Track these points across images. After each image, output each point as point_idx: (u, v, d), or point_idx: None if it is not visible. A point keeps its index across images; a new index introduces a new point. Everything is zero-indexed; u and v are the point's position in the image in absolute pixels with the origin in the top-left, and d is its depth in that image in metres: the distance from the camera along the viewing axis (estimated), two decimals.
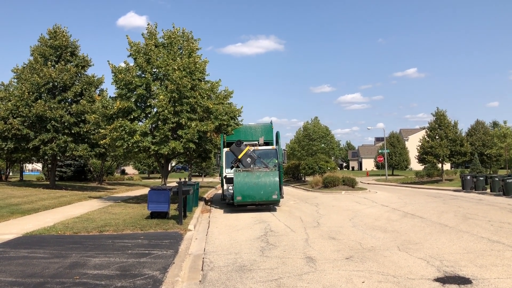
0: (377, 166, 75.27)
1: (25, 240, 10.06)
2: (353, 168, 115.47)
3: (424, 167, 46.33)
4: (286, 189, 31.82)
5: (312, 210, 16.45)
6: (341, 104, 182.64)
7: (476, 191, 25.50)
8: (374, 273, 6.89)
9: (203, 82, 19.54)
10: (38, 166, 67.38)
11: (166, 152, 18.22)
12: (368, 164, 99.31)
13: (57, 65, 26.48)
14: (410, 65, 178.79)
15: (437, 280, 6.41)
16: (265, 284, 6.45)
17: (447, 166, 56.74)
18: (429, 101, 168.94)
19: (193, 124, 17.86)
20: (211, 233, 11.61)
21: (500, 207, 16.38)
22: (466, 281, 6.33)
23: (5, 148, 25.67)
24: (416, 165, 56.31)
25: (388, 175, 60.88)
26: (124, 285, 6.25)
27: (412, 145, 59.85)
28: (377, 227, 11.73)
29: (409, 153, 72.36)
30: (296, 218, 14.09)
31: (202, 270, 7.45)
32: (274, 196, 16.12)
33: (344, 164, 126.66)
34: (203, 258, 8.35)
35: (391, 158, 70.34)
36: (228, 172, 18.32)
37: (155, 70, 18.93)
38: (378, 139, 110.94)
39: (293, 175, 46.08)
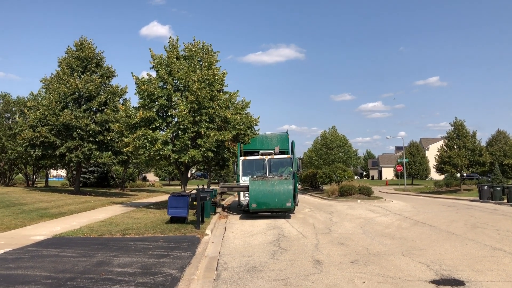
0: (397, 175, 74.86)
1: (55, 241, 10.88)
2: (372, 177, 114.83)
3: (444, 176, 46.15)
4: (303, 197, 32.32)
5: (326, 218, 16.96)
6: (362, 113, 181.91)
7: (493, 201, 25.53)
8: (375, 275, 7.42)
9: (221, 93, 20.32)
10: (62, 172, 69.21)
11: (186, 160, 18.98)
12: (388, 173, 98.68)
13: (83, 76, 27.69)
14: (432, 73, 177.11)
15: (433, 282, 6.92)
16: (273, 283, 7.05)
17: None
18: (451, 110, 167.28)
19: (211, 134, 18.60)
20: (227, 237, 12.26)
21: None
22: (460, 283, 6.82)
23: (34, 155, 26.90)
24: (436, 175, 55.97)
25: (408, 184, 60.62)
26: (146, 281, 6.92)
27: (432, 154, 59.53)
28: (386, 234, 12.21)
29: (429, 163, 71.86)
30: (309, 225, 14.63)
31: (216, 270, 8.08)
32: (288, 204, 16.61)
33: (364, 173, 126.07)
34: (218, 260, 8.98)
35: (411, 168, 69.99)
36: (244, 180, 18.95)
37: (176, 81, 19.78)
38: (398, 148, 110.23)
39: (311, 183, 46.45)
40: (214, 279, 7.38)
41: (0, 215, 15.45)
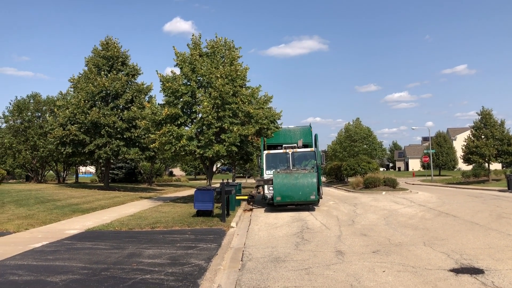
0: (423, 167, 73.94)
1: (88, 235, 11.43)
2: (399, 168, 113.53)
3: (472, 167, 45.44)
4: (327, 190, 32.44)
5: (350, 210, 17.11)
6: (388, 103, 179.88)
7: None
8: (395, 264, 7.62)
9: (244, 88, 20.63)
10: (91, 169, 70.94)
11: (211, 155, 19.40)
12: (415, 164, 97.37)
13: (109, 75, 28.44)
14: (459, 61, 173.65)
15: (452, 270, 7.07)
16: (295, 272, 7.33)
17: (498, 166, 55.05)
18: (480, 99, 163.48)
19: (235, 129, 18.95)
20: (252, 230, 12.59)
21: None
22: (479, 271, 6.96)
23: (64, 153, 27.82)
24: (463, 165, 55.09)
25: (435, 175, 59.82)
26: (174, 271, 7.30)
27: (460, 144, 58.60)
28: (408, 225, 12.32)
29: (456, 153, 70.71)
30: (333, 217, 14.83)
31: (241, 260, 8.42)
32: (312, 197, 16.74)
33: (391, 165, 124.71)
34: (243, 251, 9.32)
35: (438, 158, 69.02)
36: (268, 174, 19.22)
37: (199, 78, 20.17)
38: (425, 139, 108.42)
39: (335, 176, 46.43)
40: (239, 269, 7.71)
41: (36, 211, 16.20)
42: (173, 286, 6.42)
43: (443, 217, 13.87)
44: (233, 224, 13.00)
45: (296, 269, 7.50)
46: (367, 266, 7.54)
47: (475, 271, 7.00)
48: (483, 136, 37.96)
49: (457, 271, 7.03)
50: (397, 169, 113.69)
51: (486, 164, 39.51)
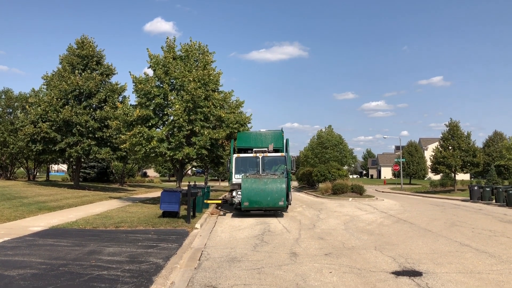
0: (395, 175, 75.48)
1: (51, 232, 11.55)
2: (372, 176, 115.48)
3: (440, 176, 46.74)
4: (298, 195, 32.98)
5: (313, 215, 17.60)
6: (364, 111, 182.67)
7: (482, 201, 26.09)
8: (343, 266, 8.06)
9: (216, 93, 20.95)
10: (63, 167, 69.98)
11: (181, 157, 19.64)
12: (387, 172, 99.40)
13: (83, 73, 28.39)
14: (435, 73, 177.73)
15: (394, 272, 7.56)
16: (248, 271, 7.69)
17: (466, 176, 56.68)
18: (454, 110, 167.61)
19: (205, 132, 19.25)
20: (215, 231, 12.91)
21: (493, 216, 17.21)
22: (418, 274, 7.46)
23: (34, 150, 27.63)
24: (433, 175, 56.57)
25: (405, 184, 61.18)
26: (131, 268, 7.57)
27: (430, 154, 60.08)
28: (365, 231, 12.85)
29: (427, 162, 72.42)
30: (296, 221, 15.27)
31: (199, 260, 8.73)
32: (281, 203, 16.58)
33: (364, 172, 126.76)
34: (202, 251, 9.63)
35: (409, 167, 70.55)
36: (237, 178, 19.28)
37: (172, 81, 20.41)
38: (397, 148, 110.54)
39: (307, 181, 47.08)
40: (195, 268, 8.03)
41: (0, 207, 16.15)
42: (127, 282, 6.69)
43: (400, 224, 14.47)
44: (197, 225, 13.29)
45: (249, 269, 7.87)
46: (316, 267, 7.97)
47: (414, 273, 7.50)
48: (450, 147, 39.15)
49: (398, 273, 7.51)
50: (370, 176, 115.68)
51: (453, 174, 40.74)
